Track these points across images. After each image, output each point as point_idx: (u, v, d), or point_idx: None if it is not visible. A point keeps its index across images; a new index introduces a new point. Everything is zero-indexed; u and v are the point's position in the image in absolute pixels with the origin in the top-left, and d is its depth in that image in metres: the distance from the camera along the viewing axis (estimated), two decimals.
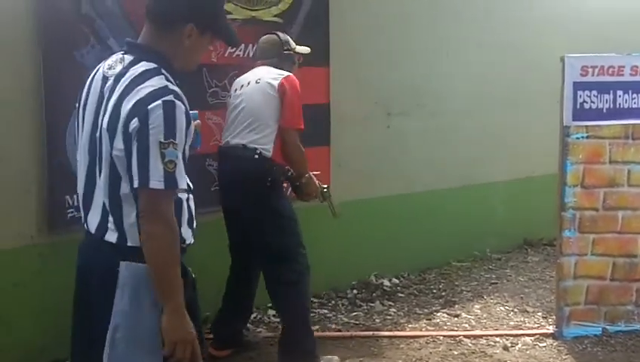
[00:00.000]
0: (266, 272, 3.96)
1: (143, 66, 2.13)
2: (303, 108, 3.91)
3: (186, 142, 2.10)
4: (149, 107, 2.02)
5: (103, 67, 2.22)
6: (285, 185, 4.03)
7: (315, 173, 4.06)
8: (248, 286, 4.15)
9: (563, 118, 4.35)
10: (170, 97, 2.05)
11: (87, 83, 2.24)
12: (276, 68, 3.94)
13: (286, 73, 3.87)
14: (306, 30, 4.76)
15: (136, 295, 2.11)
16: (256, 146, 3.77)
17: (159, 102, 2.02)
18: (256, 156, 3.76)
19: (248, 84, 3.90)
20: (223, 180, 4.01)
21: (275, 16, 4.64)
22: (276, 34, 4.08)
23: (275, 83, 3.79)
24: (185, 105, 2.11)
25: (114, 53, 2.29)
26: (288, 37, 4.10)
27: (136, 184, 2.04)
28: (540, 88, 5.91)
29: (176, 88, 2.11)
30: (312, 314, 4.76)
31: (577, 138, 4.36)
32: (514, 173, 6.34)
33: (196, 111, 2.82)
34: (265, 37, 4.10)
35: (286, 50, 4.02)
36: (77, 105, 2.28)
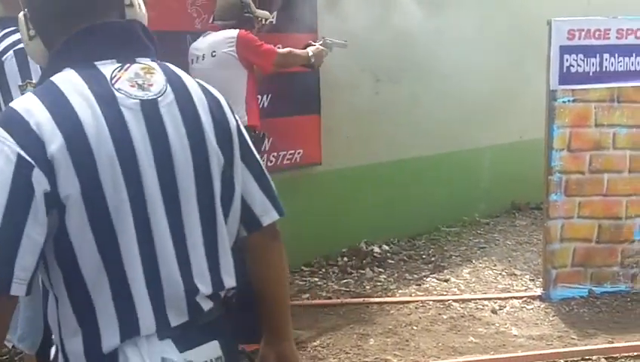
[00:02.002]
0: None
1: (4, 31, 2.38)
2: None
3: None
4: (3, 59, 2.26)
5: None
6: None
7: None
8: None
9: (549, 82, 4.36)
10: (21, 45, 2.17)
11: None
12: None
13: (234, 34, 3.78)
14: None
15: None
16: None
17: (11, 52, 2.26)
18: None
19: (203, 57, 3.85)
20: None
21: None
22: None
23: (234, 53, 3.76)
24: None
25: None
26: None
27: None
28: (527, 52, 5.89)
29: None
30: (302, 283, 4.83)
31: (564, 102, 4.38)
32: (502, 138, 6.37)
33: None
34: None
35: (246, 13, 3.93)
36: None
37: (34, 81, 2.22)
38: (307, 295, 4.61)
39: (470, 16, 5.91)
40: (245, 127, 3.83)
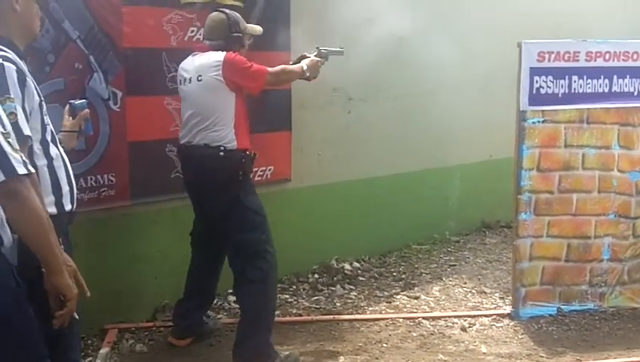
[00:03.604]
0: (234, 269, 3.84)
1: None
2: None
3: (25, 95, 2.27)
4: None
5: None
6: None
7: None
8: (213, 276, 4.09)
9: (519, 103, 4.41)
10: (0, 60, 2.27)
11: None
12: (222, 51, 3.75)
13: (220, 58, 3.67)
14: (267, 14, 4.74)
15: None
16: (219, 144, 3.67)
17: None
18: (222, 153, 3.66)
19: (190, 80, 3.75)
20: (189, 178, 3.88)
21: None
22: (224, 12, 3.87)
23: (220, 77, 3.64)
24: (17, 65, 2.29)
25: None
26: (238, 16, 3.89)
27: None
28: (497, 73, 5.96)
29: (7, 54, 2.28)
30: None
31: (533, 122, 4.43)
32: (472, 157, 6.42)
33: (84, 101, 3.06)
34: (213, 14, 3.88)
35: (235, 33, 3.82)
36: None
37: (12, 96, 2.20)
38: (277, 312, 4.57)
39: (441, 37, 5.97)
40: (236, 150, 3.66)
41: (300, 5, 5.01)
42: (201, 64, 3.73)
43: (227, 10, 3.90)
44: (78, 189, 2.74)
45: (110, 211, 4.16)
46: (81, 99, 3.13)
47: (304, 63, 4.00)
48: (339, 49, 4.26)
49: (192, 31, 4.36)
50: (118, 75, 4.10)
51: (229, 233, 3.77)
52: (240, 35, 3.86)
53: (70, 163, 2.61)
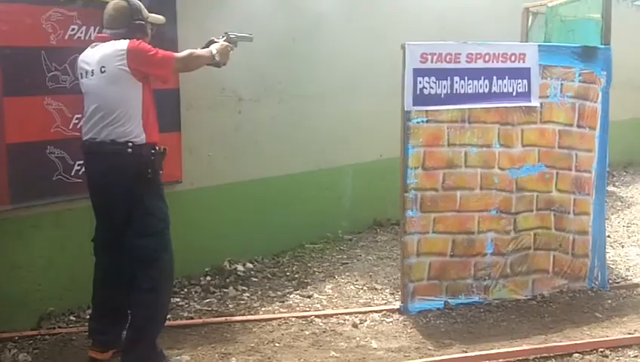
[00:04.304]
0: (127, 273, 3.69)
1: None
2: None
3: None
4: None
5: None
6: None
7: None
8: (121, 288, 3.78)
9: (404, 104, 4.52)
10: None
11: None
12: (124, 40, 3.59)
13: (124, 47, 3.52)
14: (152, 9, 4.63)
15: None
16: (126, 139, 3.53)
17: None
18: (130, 150, 3.52)
19: (92, 73, 3.58)
20: (94, 178, 3.69)
21: None
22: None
23: (125, 67, 3.50)
24: None
25: None
26: (140, 4, 3.75)
27: None
28: (385, 75, 6.07)
29: None
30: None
31: (418, 122, 4.55)
32: (363, 157, 6.54)
33: None
34: (113, 2, 3.72)
35: (137, 20, 3.69)
36: None
37: None
38: (168, 316, 4.50)
39: (330, 40, 6.05)
40: (145, 145, 3.51)
41: (187, 2, 4.92)
42: (104, 54, 3.57)
43: None
44: None
45: None
46: None
47: (213, 48, 3.93)
48: (247, 35, 4.23)
49: (73, 29, 4.23)
50: None
51: (128, 236, 3.65)
52: (143, 22, 3.74)
53: None
